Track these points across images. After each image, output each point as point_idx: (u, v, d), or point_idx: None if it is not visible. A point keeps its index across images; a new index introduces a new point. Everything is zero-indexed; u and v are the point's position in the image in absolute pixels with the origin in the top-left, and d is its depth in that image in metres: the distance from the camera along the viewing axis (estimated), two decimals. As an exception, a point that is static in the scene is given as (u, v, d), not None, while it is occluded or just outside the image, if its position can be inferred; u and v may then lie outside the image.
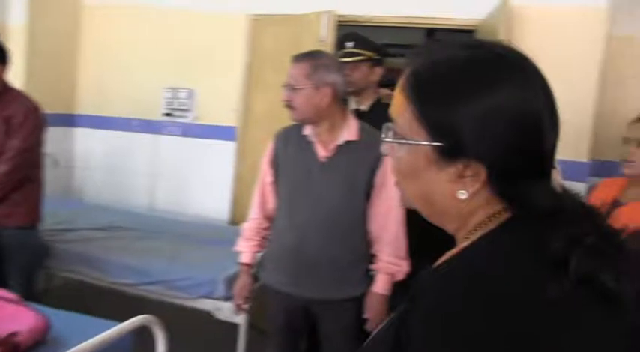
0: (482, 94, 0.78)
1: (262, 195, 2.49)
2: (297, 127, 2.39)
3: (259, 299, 2.62)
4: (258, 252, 2.55)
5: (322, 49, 3.42)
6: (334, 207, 2.30)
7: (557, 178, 0.84)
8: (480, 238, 0.80)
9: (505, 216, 0.81)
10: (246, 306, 2.57)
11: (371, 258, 2.39)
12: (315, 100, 2.26)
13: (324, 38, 3.65)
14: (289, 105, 2.30)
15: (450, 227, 0.87)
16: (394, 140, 0.87)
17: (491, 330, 0.68)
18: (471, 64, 0.81)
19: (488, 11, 3.45)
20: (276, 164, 2.42)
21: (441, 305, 0.72)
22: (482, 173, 0.79)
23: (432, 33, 5.60)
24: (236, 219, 4.02)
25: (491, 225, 0.81)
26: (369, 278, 2.38)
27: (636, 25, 3.40)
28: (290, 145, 2.39)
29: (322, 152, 2.31)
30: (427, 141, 0.81)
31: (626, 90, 3.33)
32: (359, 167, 2.32)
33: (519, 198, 0.80)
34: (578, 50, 3.24)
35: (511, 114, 0.78)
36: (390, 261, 2.36)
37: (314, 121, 2.31)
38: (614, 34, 3.29)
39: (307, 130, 2.35)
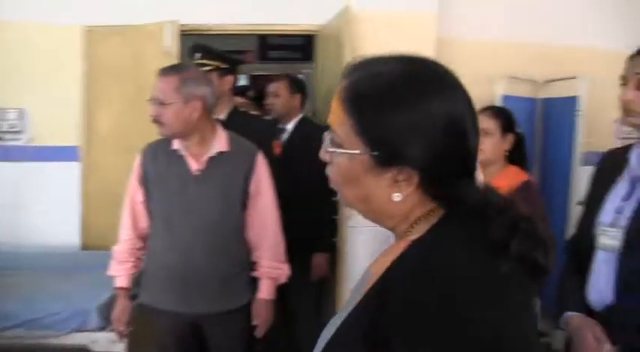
0: (414, 107, 0.86)
1: (133, 214, 2.40)
2: (165, 142, 2.34)
3: (138, 323, 2.51)
4: (134, 273, 2.45)
5: (169, 59, 3.38)
6: (213, 219, 2.29)
7: (479, 176, 0.93)
8: (428, 232, 0.88)
9: (440, 212, 0.91)
10: (126, 331, 2.47)
11: (252, 265, 2.42)
12: (184, 115, 2.22)
13: (169, 48, 3.57)
14: (157, 121, 2.24)
15: (387, 225, 0.95)
16: (334, 149, 0.92)
17: (467, 307, 0.78)
18: (404, 78, 0.89)
19: (329, 16, 3.60)
20: (145, 181, 2.35)
21: (421, 294, 0.79)
22: (415, 177, 0.87)
23: (263, 39, 5.76)
24: (88, 242, 3.78)
25: (432, 221, 0.90)
26: (252, 285, 2.41)
27: (462, 28, 3.75)
28: (159, 161, 2.33)
29: (194, 165, 2.29)
30: (365, 151, 0.88)
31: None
32: (233, 177, 2.33)
33: (450, 197, 0.89)
34: (413, 51, 3.47)
35: (440, 123, 0.86)
36: (272, 265, 2.41)
37: (184, 135, 2.28)
38: (443, 36, 3.58)
39: (176, 144, 2.31)
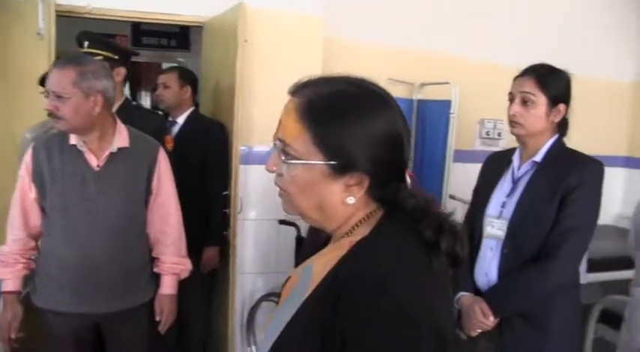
0: (367, 122, 1.00)
1: (24, 212, 2.28)
2: (60, 136, 2.26)
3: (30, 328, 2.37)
4: (26, 275, 2.32)
5: (43, 44, 3.18)
6: (116, 216, 2.24)
7: (408, 181, 1.08)
8: (371, 233, 1.00)
9: (379, 213, 1.04)
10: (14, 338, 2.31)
11: (153, 261, 2.41)
12: (85, 109, 2.15)
13: (42, 31, 3.33)
14: (54, 115, 2.14)
15: (331, 227, 1.07)
16: (292, 161, 1.01)
17: (412, 300, 0.93)
18: (356, 97, 1.02)
19: (215, 9, 3.58)
20: (39, 178, 2.23)
21: (372, 291, 0.91)
22: (366, 181, 1.00)
23: (137, 24, 5.55)
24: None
25: (372, 223, 1.02)
26: (154, 281, 2.41)
27: (347, 30, 3.91)
28: (54, 156, 2.23)
29: (94, 161, 2.23)
30: (323, 160, 0.99)
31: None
32: (135, 173, 2.30)
33: (391, 199, 1.03)
34: (302, 51, 3.57)
35: (387, 135, 1.01)
36: (174, 261, 2.42)
37: (84, 130, 2.20)
38: (329, 36, 3.71)
39: (74, 140, 2.22)
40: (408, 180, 1.13)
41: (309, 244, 2.87)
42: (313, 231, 1.24)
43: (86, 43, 2.84)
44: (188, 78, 3.48)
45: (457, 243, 0.99)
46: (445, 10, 4.25)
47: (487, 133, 4.47)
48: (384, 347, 0.88)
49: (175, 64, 4.52)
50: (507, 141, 4.41)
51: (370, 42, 3.96)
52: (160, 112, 3.46)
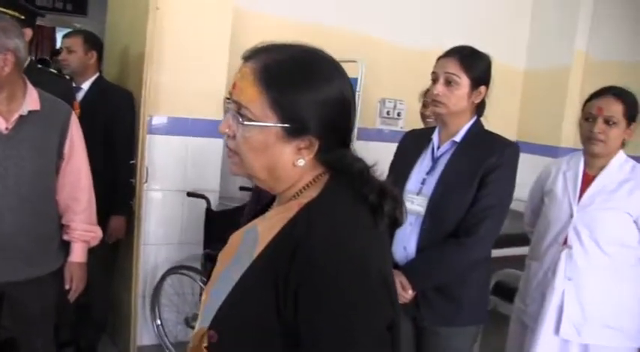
0: (321, 87, 1.05)
1: None
2: None
3: None
4: None
5: None
6: (25, 181, 2.16)
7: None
8: (320, 195, 1.06)
9: (325, 177, 1.10)
10: None
11: (62, 228, 2.35)
12: None
13: None
14: None
15: (279, 188, 1.11)
16: (248, 123, 1.04)
17: (362, 254, 1.00)
18: (312, 63, 1.07)
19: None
20: None
21: (326, 247, 0.97)
22: (316, 145, 1.05)
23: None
24: None
25: (319, 186, 1.08)
26: (64, 249, 2.35)
27: (256, 1, 3.91)
28: None
29: (3, 124, 2.13)
30: (278, 123, 1.03)
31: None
32: (46, 138, 2.23)
33: (338, 162, 1.09)
34: (211, 21, 3.53)
35: (338, 101, 1.06)
36: (85, 228, 2.37)
37: None
38: (239, 7, 3.70)
39: None
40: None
41: (251, 206, 2.89)
42: (256, 194, 1.27)
43: None
44: (93, 42, 3.33)
45: (397, 207, 1.07)
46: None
47: (387, 113, 4.62)
48: (338, 294, 0.95)
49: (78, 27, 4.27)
50: (406, 122, 4.61)
51: (280, 16, 3.97)
52: (67, 77, 3.29)
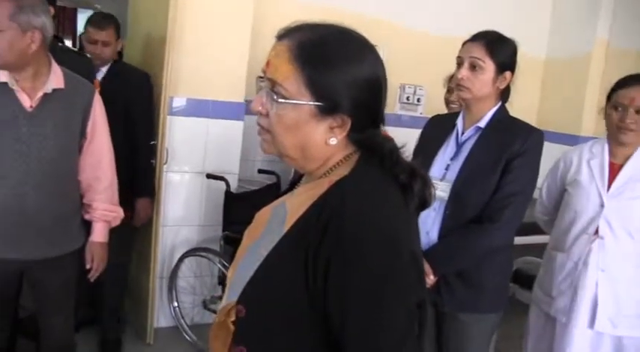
0: (354, 66, 1.05)
1: None
2: None
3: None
4: None
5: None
6: (49, 159, 2.16)
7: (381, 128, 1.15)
8: (352, 173, 1.06)
9: (356, 156, 1.10)
10: None
11: (83, 208, 2.36)
12: (21, 45, 2.03)
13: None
14: None
15: (310, 167, 1.11)
16: (282, 100, 1.04)
17: (393, 231, 1.00)
18: (345, 43, 1.07)
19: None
20: None
21: (358, 222, 0.97)
22: (348, 123, 1.05)
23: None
24: None
25: (350, 164, 1.08)
26: (85, 228, 2.36)
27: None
28: None
29: (27, 102, 2.12)
30: (312, 101, 1.03)
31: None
32: (70, 116, 2.23)
33: (369, 142, 1.09)
34: (234, 3, 3.52)
35: (370, 80, 1.07)
36: (107, 207, 2.38)
37: (17, 68, 2.09)
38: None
39: (4, 77, 2.10)
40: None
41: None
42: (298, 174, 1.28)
43: None
44: (119, 29, 3.27)
45: (427, 188, 1.08)
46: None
47: (407, 98, 4.60)
48: (369, 267, 0.95)
49: (100, 11, 4.20)
50: (425, 107, 4.59)
51: (301, 1, 3.96)
52: (88, 55, 3.26)
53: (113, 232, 2.49)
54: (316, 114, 1.03)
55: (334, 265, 0.95)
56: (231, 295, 1.08)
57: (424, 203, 1.09)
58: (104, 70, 3.23)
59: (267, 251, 1.05)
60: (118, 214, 2.43)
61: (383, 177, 1.06)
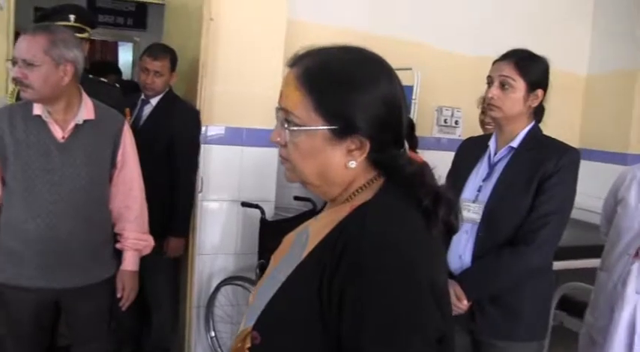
0: (365, 85, 1.03)
1: None
2: (23, 106, 2.20)
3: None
4: None
5: (2, 15, 3.09)
6: (80, 188, 2.20)
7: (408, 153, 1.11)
8: (374, 198, 1.03)
9: (380, 181, 1.07)
10: None
11: (115, 236, 2.38)
12: (55, 78, 2.10)
13: (1, 2, 3.22)
14: (22, 83, 2.08)
15: (332, 193, 1.09)
16: (295, 128, 1.03)
17: (412, 260, 0.96)
18: (354, 63, 1.06)
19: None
20: (1, 149, 2.16)
21: (376, 249, 0.94)
22: (367, 145, 1.02)
23: (93, 3, 5.40)
24: None
25: (373, 189, 1.05)
26: (116, 257, 2.38)
27: (309, 12, 3.90)
28: (17, 127, 2.16)
29: (59, 133, 2.18)
30: (325, 125, 1.01)
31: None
32: (100, 146, 2.27)
33: (390, 164, 1.06)
34: (266, 31, 3.54)
35: (385, 99, 1.04)
36: (137, 236, 2.40)
37: (51, 100, 2.15)
38: (292, 18, 3.69)
39: (38, 110, 2.16)
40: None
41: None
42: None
43: (72, 17, 2.76)
44: (175, 62, 3.31)
45: (452, 213, 1.03)
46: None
47: (445, 121, 4.53)
48: (383, 299, 0.91)
49: (159, 42, 4.12)
50: (463, 130, 4.50)
51: (333, 26, 3.94)
52: (117, 85, 3.31)
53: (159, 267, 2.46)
54: (331, 139, 1.02)
55: (348, 294, 0.92)
56: (248, 321, 1.05)
57: (450, 228, 1.05)
58: (154, 102, 3.26)
59: (285, 277, 1.02)
60: (148, 243, 2.44)
61: (405, 201, 1.02)
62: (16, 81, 2.09)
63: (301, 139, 1.03)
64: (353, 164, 1.03)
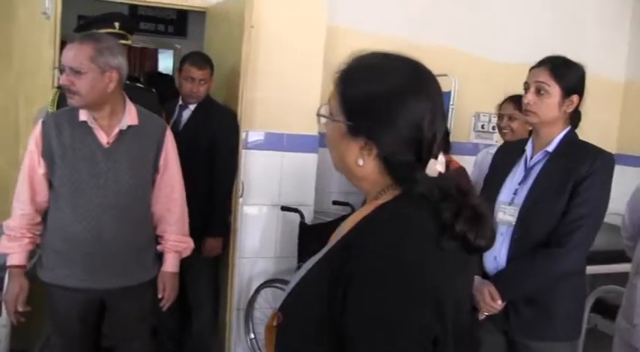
0: (386, 95, 1.06)
1: (32, 187, 2.28)
2: (69, 113, 2.27)
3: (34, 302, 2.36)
4: (32, 249, 2.33)
5: (48, 24, 3.19)
6: (124, 192, 2.27)
7: (435, 166, 1.09)
8: (391, 200, 1.07)
9: (397, 189, 1.08)
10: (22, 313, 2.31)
11: (157, 238, 2.45)
12: (101, 85, 2.17)
13: (48, 11, 3.32)
14: (69, 90, 2.15)
15: (360, 186, 1.14)
16: (324, 115, 1.14)
17: (412, 268, 0.98)
18: (381, 70, 1.10)
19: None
20: (48, 152, 2.23)
21: (378, 252, 0.97)
22: (374, 150, 1.06)
23: (134, 8, 5.51)
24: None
25: (390, 195, 1.08)
26: (158, 259, 2.44)
27: (348, 18, 3.94)
28: (64, 132, 2.24)
29: (104, 138, 2.25)
30: (344, 120, 1.08)
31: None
32: (143, 151, 2.33)
33: (405, 176, 1.07)
34: (306, 37, 3.60)
35: (405, 110, 1.05)
36: (178, 239, 2.46)
37: (97, 107, 2.22)
38: (331, 24, 3.74)
39: (84, 116, 2.23)
40: (438, 166, 1.10)
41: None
42: None
43: (117, 24, 2.85)
44: (213, 69, 3.36)
45: (471, 231, 1.02)
46: (444, 3, 4.29)
47: (482, 127, 4.52)
48: (375, 301, 0.95)
49: (198, 51, 4.14)
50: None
51: (372, 32, 3.96)
52: (153, 90, 3.37)
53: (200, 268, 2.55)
54: (346, 134, 1.08)
55: (348, 292, 0.96)
56: (279, 303, 1.12)
57: (468, 245, 1.03)
58: (192, 106, 3.33)
59: (307, 268, 1.10)
60: (188, 245, 2.50)
61: (424, 210, 1.03)
62: (64, 88, 2.16)
63: (328, 128, 1.13)
64: (361, 162, 1.08)
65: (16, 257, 2.27)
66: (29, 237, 2.29)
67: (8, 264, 2.29)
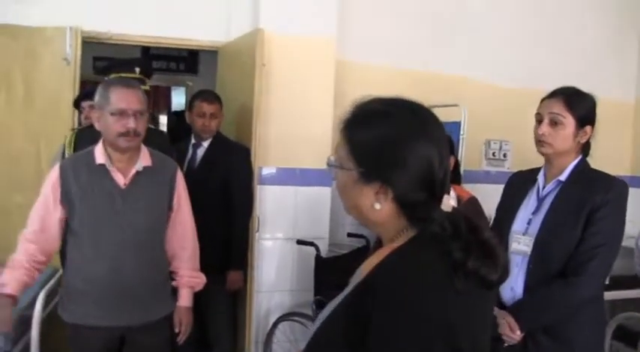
0: (396, 143, 1.08)
1: (43, 230, 2.30)
2: (86, 156, 2.34)
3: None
4: (26, 282, 2.28)
5: (69, 69, 3.30)
6: (141, 232, 2.33)
7: (449, 202, 1.11)
8: (406, 243, 1.08)
9: (414, 229, 1.10)
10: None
11: (171, 275, 2.50)
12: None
13: (69, 56, 3.44)
14: (135, 132, 2.23)
15: (375, 230, 1.17)
16: (334, 165, 1.15)
17: (428, 310, 0.99)
18: (389, 116, 1.11)
19: (232, 35, 3.71)
20: (67, 196, 2.29)
21: (397, 295, 1.00)
22: (390, 193, 1.08)
23: (147, 48, 5.63)
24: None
25: (409, 235, 1.09)
26: (173, 294, 2.50)
27: (357, 52, 4.02)
28: (81, 176, 2.30)
29: (121, 180, 2.31)
30: (354, 168, 1.10)
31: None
32: (158, 191, 2.40)
33: (420, 216, 1.09)
34: (315, 73, 3.67)
35: (412, 158, 1.07)
36: (192, 274, 2.52)
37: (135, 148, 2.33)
38: (340, 59, 3.82)
39: (101, 159, 2.30)
40: (451, 201, 1.12)
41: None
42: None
43: (138, 69, 2.96)
44: (222, 104, 3.44)
45: (483, 267, 1.03)
46: (449, 33, 4.36)
47: (493, 154, 4.55)
48: (391, 346, 0.97)
49: (207, 89, 4.24)
50: (512, 162, 4.51)
51: (381, 65, 4.04)
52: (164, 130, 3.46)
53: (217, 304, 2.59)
54: (358, 180, 1.10)
55: (367, 338, 0.98)
56: (305, 343, 1.14)
57: (482, 280, 1.04)
58: (205, 144, 3.39)
59: (331, 309, 1.10)
60: (201, 280, 2.56)
61: (432, 253, 1.05)
62: (126, 131, 2.23)
63: (338, 176, 1.15)
64: (378, 206, 1.09)
65: (8, 287, 2.23)
66: (26, 268, 2.27)
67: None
